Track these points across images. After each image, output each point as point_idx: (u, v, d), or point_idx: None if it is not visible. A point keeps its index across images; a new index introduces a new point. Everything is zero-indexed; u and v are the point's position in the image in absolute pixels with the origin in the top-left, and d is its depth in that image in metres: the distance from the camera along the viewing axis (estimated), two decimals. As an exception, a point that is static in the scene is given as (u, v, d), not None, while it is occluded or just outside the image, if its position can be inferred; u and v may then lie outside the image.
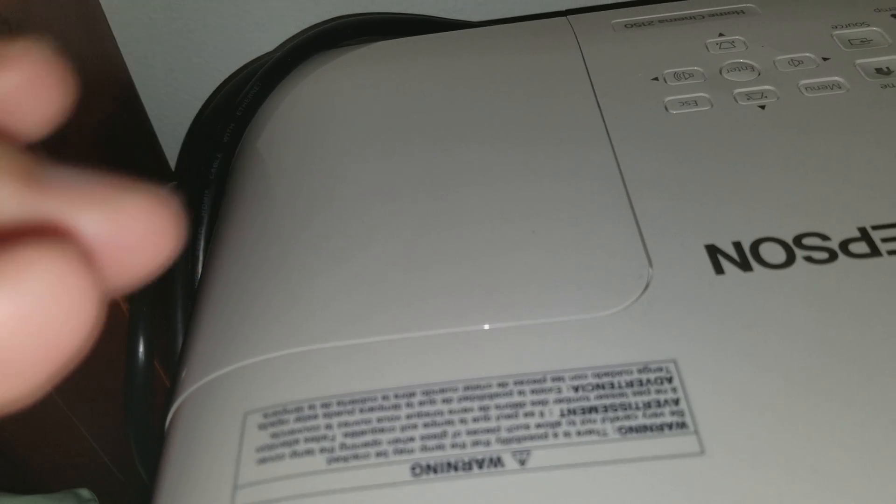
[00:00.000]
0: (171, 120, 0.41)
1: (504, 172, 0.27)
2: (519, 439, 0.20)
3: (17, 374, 0.09)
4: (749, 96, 0.29)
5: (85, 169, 0.11)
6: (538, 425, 0.20)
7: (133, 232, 0.11)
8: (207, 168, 0.31)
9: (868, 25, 0.31)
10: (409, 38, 0.35)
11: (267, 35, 0.39)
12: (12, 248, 0.09)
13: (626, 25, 0.33)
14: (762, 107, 0.28)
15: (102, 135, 0.30)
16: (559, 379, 0.21)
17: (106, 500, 0.38)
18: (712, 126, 0.28)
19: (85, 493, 0.40)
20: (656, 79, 0.30)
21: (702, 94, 0.29)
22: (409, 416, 0.20)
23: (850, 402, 0.20)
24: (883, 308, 0.21)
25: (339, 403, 0.21)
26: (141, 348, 0.27)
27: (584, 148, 0.27)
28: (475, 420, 0.20)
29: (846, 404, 0.20)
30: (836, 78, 0.29)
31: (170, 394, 0.24)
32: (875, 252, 0.23)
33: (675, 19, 0.33)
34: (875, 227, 0.23)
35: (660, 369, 0.21)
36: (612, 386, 0.20)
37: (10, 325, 0.09)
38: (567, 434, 0.20)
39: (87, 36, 0.31)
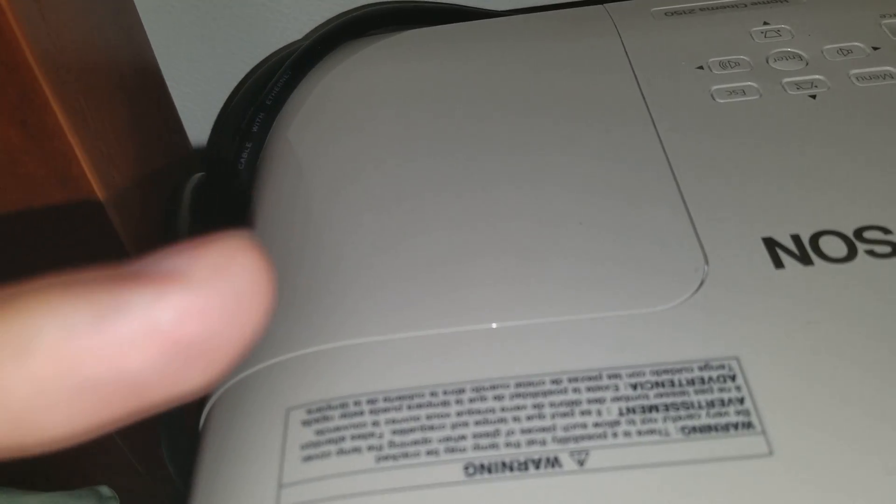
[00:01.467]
0: (196, 110, 0.40)
1: (548, 163, 0.26)
2: (576, 439, 0.19)
3: (215, 359, 0.10)
4: (798, 86, 0.28)
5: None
6: (596, 424, 0.19)
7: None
8: (237, 158, 0.30)
9: (917, 14, 0.30)
10: (439, 26, 0.34)
11: (292, 24, 0.38)
12: (199, 247, 0.09)
13: (666, 13, 0.32)
14: (813, 96, 0.27)
15: (131, 124, 0.29)
16: (616, 376, 0.20)
17: (128, 498, 0.37)
18: (762, 116, 0.27)
19: (105, 490, 0.39)
20: (701, 67, 0.29)
21: (749, 83, 0.28)
22: (459, 414, 0.19)
23: (922, 402, 0.19)
24: (953, 304, 0.21)
25: (385, 399, 0.20)
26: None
27: (628, 138, 0.26)
28: (529, 418, 0.19)
29: (917, 404, 0.19)
30: (888, 68, 0.28)
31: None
32: (941, 246, 0.22)
33: (717, 7, 0.32)
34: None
35: (722, 367, 0.20)
36: (673, 384, 0.19)
37: (216, 312, 0.09)
38: (627, 434, 0.19)
39: (116, 20, 0.30)
